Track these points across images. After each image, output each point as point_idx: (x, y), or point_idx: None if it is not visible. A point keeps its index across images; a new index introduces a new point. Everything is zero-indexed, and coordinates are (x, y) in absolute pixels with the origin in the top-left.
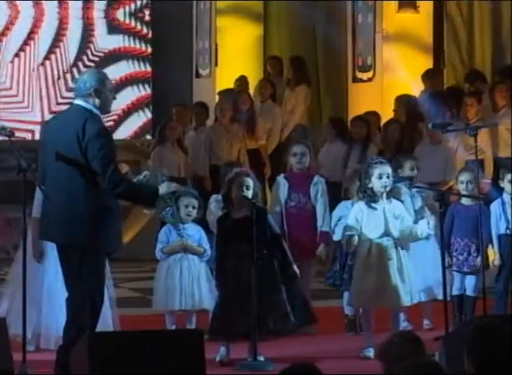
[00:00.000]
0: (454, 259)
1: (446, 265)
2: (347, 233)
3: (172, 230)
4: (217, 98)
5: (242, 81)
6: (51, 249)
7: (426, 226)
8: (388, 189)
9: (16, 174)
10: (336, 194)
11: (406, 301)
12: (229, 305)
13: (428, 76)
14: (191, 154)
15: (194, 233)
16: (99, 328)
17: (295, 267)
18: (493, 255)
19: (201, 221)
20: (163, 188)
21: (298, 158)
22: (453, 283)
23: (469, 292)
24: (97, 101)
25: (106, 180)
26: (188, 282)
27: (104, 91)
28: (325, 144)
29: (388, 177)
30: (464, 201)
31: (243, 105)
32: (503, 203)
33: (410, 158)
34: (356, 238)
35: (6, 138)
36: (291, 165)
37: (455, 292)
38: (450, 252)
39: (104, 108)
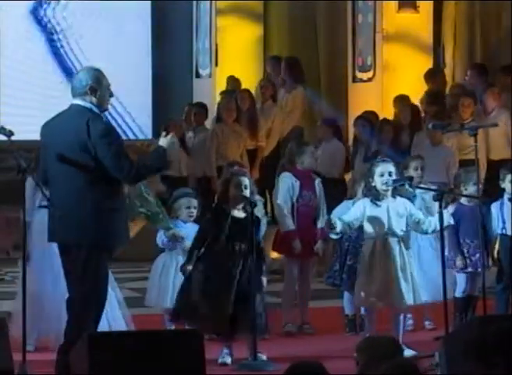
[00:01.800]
0: (468, 261)
1: (461, 266)
2: (338, 221)
3: (174, 223)
4: (217, 98)
5: (234, 81)
6: (55, 250)
7: (435, 223)
8: (390, 187)
9: (16, 174)
10: (332, 191)
11: (408, 300)
12: (204, 297)
13: (430, 76)
14: (192, 154)
15: (191, 231)
16: (114, 329)
17: (264, 279)
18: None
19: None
20: (163, 142)
21: (316, 158)
22: (458, 285)
23: (475, 292)
24: (94, 99)
25: (125, 173)
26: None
27: (100, 88)
28: (322, 144)
29: (390, 175)
30: (467, 201)
31: (243, 105)
32: (502, 203)
33: (415, 159)
34: (338, 225)
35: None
36: (300, 163)
37: (460, 294)
38: (463, 254)
39: (101, 105)
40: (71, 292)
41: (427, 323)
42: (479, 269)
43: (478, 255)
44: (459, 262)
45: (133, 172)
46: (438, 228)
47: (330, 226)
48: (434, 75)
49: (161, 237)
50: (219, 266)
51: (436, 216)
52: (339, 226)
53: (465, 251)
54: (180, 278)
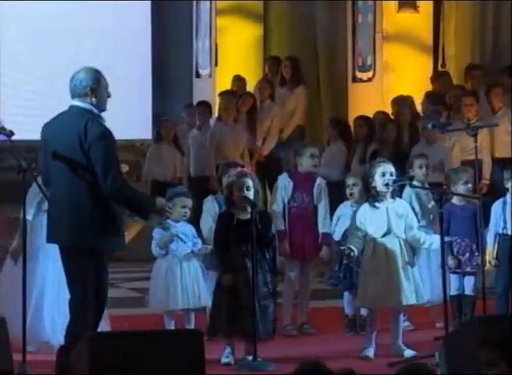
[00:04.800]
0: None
1: (454, 265)
2: (353, 237)
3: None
4: (217, 98)
5: (241, 81)
6: (54, 251)
7: (435, 239)
8: (391, 187)
9: (16, 174)
10: (335, 194)
11: (411, 300)
12: (228, 305)
13: (435, 78)
14: (195, 153)
15: (187, 231)
16: None
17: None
18: (491, 254)
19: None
20: (160, 202)
21: (316, 161)
22: (451, 284)
23: (468, 292)
24: (93, 100)
25: (108, 183)
26: (189, 281)
27: (100, 89)
28: (329, 146)
29: (391, 175)
30: (458, 200)
31: (244, 107)
32: (505, 203)
33: (418, 157)
34: (355, 250)
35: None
36: (300, 165)
37: (454, 293)
38: (453, 253)
39: (100, 106)
40: (71, 293)
41: (438, 325)
42: (467, 269)
43: (467, 255)
44: (450, 262)
45: (118, 185)
46: (433, 246)
47: (349, 256)
48: (439, 77)
49: (155, 249)
50: (234, 271)
51: (433, 235)
52: (356, 252)
53: (455, 250)
54: (187, 278)
